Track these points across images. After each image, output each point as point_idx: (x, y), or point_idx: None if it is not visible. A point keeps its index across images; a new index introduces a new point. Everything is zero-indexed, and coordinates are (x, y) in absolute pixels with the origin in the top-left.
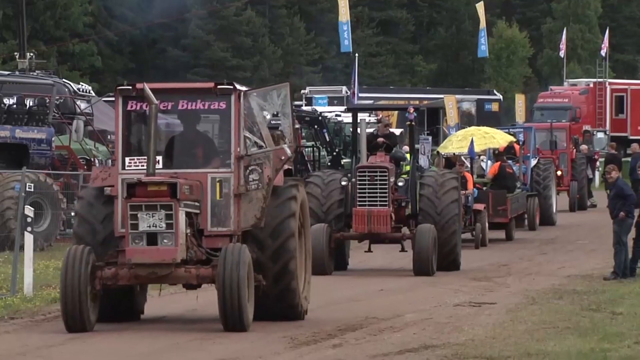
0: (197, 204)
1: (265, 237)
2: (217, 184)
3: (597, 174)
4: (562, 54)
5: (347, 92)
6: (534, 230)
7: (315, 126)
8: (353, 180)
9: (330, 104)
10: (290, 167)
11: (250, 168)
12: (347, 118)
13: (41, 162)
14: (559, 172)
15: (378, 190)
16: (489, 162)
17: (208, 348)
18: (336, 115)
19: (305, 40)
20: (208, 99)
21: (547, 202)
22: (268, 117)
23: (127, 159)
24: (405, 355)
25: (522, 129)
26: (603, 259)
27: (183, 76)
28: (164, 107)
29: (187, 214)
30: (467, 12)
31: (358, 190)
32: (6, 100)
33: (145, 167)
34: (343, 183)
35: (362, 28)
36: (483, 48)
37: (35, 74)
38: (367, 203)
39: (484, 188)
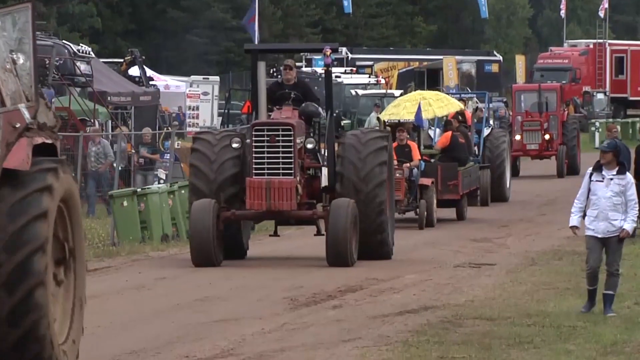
0: None
1: None
2: None
3: (597, 134)
4: (562, 14)
5: (347, 53)
6: (487, 206)
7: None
8: (248, 141)
9: None
10: (49, 141)
11: None
12: (348, 79)
13: None
14: (547, 136)
15: (280, 155)
16: (438, 130)
17: (208, 310)
18: (336, 76)
19: (305, 1)
20: None
21: (499, 176)
22: (20, 59)
23: None
24: (405, 316)
25: (473, 95)
26: None
27: (182, 37)
28: None
29: None
30: None
31: (254, 155)
32: None
33: None
34: (235, 145)
35: None
36: (483, 9)
37: None
38: (265, 172)
39: (432, 160)
